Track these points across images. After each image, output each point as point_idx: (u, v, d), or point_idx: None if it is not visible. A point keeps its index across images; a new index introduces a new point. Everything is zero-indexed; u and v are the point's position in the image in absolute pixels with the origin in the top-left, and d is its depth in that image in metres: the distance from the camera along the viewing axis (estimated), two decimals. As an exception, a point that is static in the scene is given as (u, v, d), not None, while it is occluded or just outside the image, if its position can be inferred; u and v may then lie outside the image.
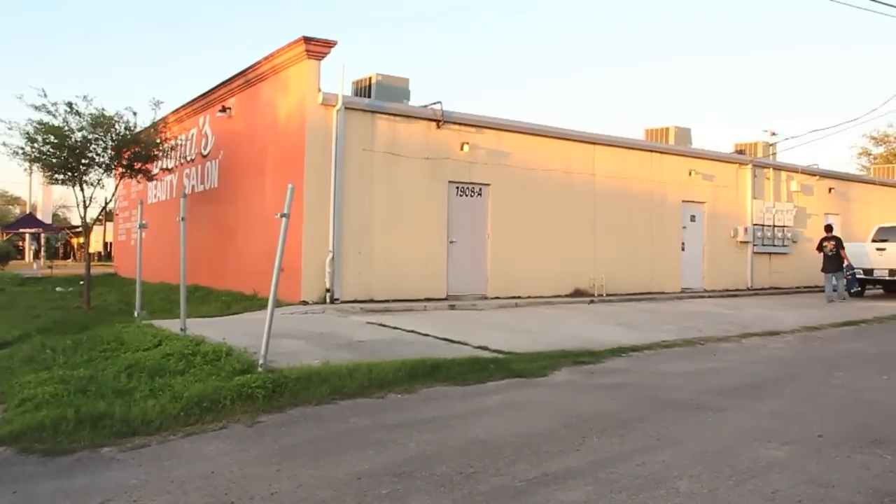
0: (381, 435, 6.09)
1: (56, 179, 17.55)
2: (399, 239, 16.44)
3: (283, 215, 8.13)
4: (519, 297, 17.94)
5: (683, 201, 22.26)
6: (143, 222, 12.22)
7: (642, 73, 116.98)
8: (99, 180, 17.68)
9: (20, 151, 16.75)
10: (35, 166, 17.98)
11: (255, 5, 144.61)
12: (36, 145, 16.57)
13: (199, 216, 20.08)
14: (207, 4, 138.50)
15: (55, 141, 16.41)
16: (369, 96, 16.86)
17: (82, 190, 17.30)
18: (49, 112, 16.52)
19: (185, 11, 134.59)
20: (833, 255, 20.90)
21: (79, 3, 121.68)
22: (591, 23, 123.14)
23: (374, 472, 5.14)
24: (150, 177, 19.46)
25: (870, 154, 51.30)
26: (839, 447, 5.84)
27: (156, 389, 7.28)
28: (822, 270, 21.24)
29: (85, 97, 16.78)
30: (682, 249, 22.18)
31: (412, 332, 11.90)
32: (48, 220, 50.49)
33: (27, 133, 16.46)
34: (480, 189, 17.96)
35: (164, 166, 21.11)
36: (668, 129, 23.31)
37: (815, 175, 26.71)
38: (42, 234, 46.31)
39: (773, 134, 26.83)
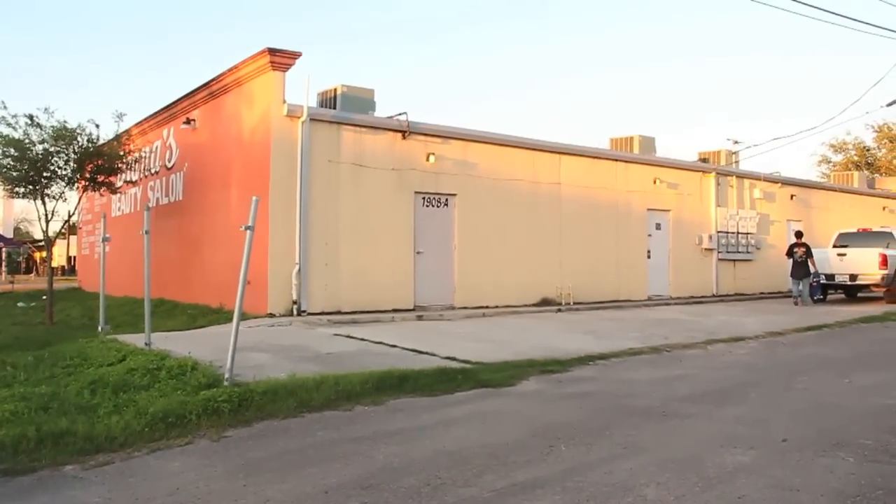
0: (349, 448, 6.06)
1: (17, 193, 17.28)
2: (366, 250, 16.40)
3: (247, 228, 8.08)
4: (486, 307, 17.96)
5: (649, 209, 22.44)
6: (107, 236, 12.11)
7: (607, 82, 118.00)
8: (61, 193, 17.43)
9: (-21, 165, 16.47)
10: (-5, 180, 17.68)
11: (220, 19, 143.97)
12: (-5, 158, 16.30)
13: (165, 229, 19.89)
14: (170, 19, 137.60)
15: (15, 154, 16.15)
16: (335, 108, 16.82)
17: (44, 203, 17.05)
18: (9, 124, 16.26)
19: (148, 26, 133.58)
20: (802, 262, 21.32)
21: (38, 18, 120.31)
22: (555, 34, 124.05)
23: (341, 485, 5.11)
24: (113, 190, 19.25)
25: (829, 161, 52.14)
26: (803, 451, 5.90)
27: (120, 405, 7.18)
28: (791, 276, 21.63)
29: (46, 109, 16.56)
30: (648, 257, 22.34)
31: (380, 343, 11.86)
32: (9, 235, 49.70)
33: (-14, 146, 16.19)
34: (447, 199, 17.97)
35: (128, 179, 20.89)
36: (632, 138, 23.49)
37: (777, 182, 27.06)
38: (3, 249, 45.59)
39: (736, 142, 27.13)
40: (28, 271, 55.91)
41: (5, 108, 16.30)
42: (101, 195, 21.22)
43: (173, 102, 19.82)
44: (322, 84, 18.03)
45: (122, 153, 18.04)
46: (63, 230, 24.23)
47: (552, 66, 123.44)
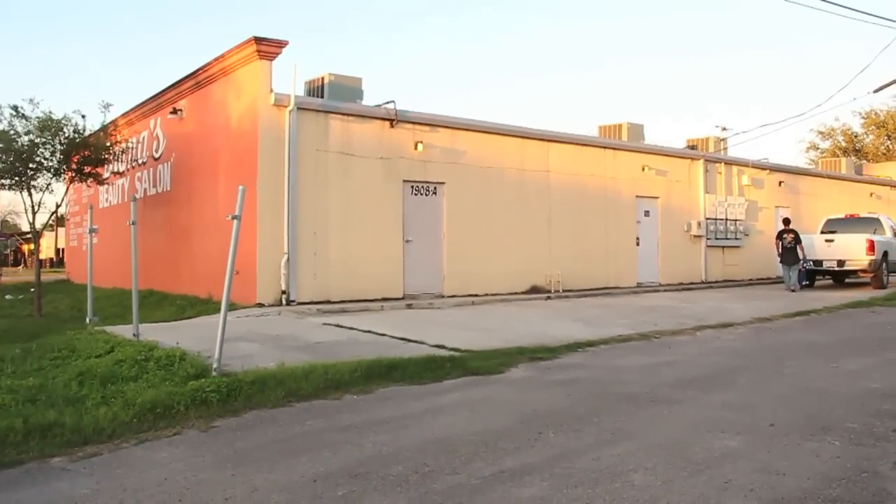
0: (337, 436, 6.06)
1: (2, 185, 17.20)
2: (355, 239, 16.38)
3: (234, 217, 8.06)
4: (476, 295, 17.97)
5: (637, 196, 22.47)
6: (94, 227, 12.05)
7: (595, 70, 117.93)
8: (48, 185, 17.37)
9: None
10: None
11: (206, 8, 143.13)
12: (-21, 150, 16.20)
13: (153, 220, 19.83)
14: (156, 10, 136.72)
15: (0, 145, 16.06)
16: (322, 96, 16.76)
17: (30, 195, 16.97)
18: (-7, 116, 16.18)
19: (135, 16, 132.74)
20: (791, 248, 21.44)
21: (22, 10, 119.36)
22: (544, 22, 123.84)
23: (329, 473, 5.12)
24: (100, 181, 19.15)
25: (817, 148, 52.27)
26: (790, 435, 5.93)
27: (108, 397, 7.16)
28: (781, 262, 21.75)
29: (31, 100, 16.47)
30: (637, 244, 22.39)
31: (369, 332, 11.86)
32: (-3, 227, 49.47)
33: (-30, 138, 16.08)
34: (435, 188, 17.96)
35: (116, 170, 20.80)
36: (621, 125, 23.49)
37: (765, 169, 27.12)
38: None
39: (724, 129, 27.20)
40: (16, 264, 55.61)
41: (-11, 99, 16.20)
42: (89, 186, 21.11)
43: (160, 92, 19.71)
44: (309, 73, 18.00)
45: (108, 144, 17.94)
46: (51, 222, 24.11)
47: (541, 54, 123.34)
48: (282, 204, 15.34)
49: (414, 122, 17.48)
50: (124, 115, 21.73)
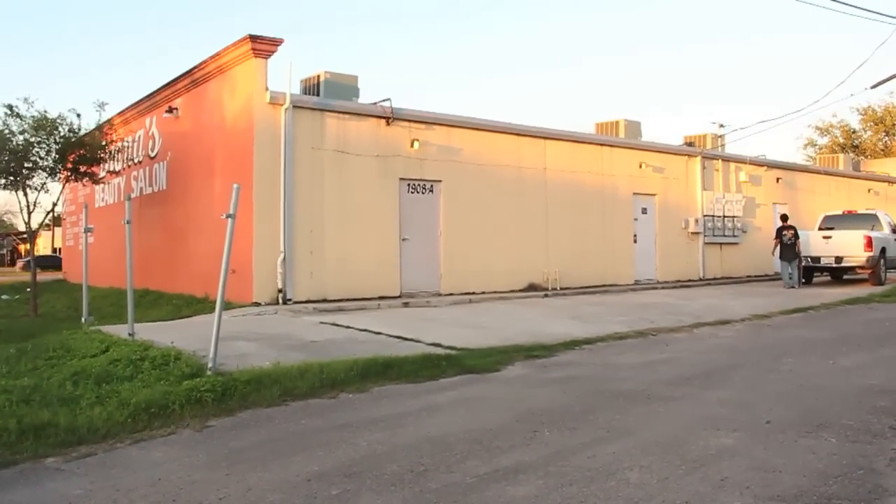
0: (333, 435, 6.04)
1: (-2, 184, 17.17)
2: (351, 238, 16.35)
3: (228, 216, 8.03)
4: (473, 294, 17.96)
5: (634, 194, 22.46)
6: (89, 226, 12.03)
7: (592, 67, 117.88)
8: (43, 184, 17.35)
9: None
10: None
11: (201, 7, 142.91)
12: (-26, 150, 16.17)
13: (149, 219, 19.81)
14: (152, 9, 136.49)
15: (-5, 145, 16.04)
16: (318, 94, 16.73)
17: (26, 195, 16.95)
18: (-12, 115, 16.15)
19: (131, 15, 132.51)
20: (791, 244, 21.45)
21: (16, 9, 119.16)
22: (540, 20, 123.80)
23: (324, 473, 5.09)
24: (96, 180, 19.14)
25: (815, 144, 52.26)
26: (786, 432, 5.91)
27: (102, 396, 7.14)
28: (781, 258, 21.74)
29: (26, 99, 16.47)
30: (635, 242, 22.38)
31: (365, 330, 11.84)
32: (-7, 227, 49.40)
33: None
34: (432, 186, 17.93)
35: (111, 169, 20.77)
36: (618, 122, 23.47)
37: (762, 165, 27.13)
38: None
39: (722, 126, 27.14)
40: (13, 263, 55.53)
41: (-16, 98, 16.18)
42: (84, 186, 21.09)
43: (155, 91, 19.67)
44: (305, 71, 17.95)
45: (104, 143, 17.91)
46: (48, 222, 24.08)
47: (537, 52, 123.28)
48: (278, 202, 15.31)
49: (410, 120, 17.45)
50: (120, 113, 21.70)
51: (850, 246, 21.57)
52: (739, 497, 4.51)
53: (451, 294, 17.73)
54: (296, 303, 15.27)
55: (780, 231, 21.90)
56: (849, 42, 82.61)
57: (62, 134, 16.67)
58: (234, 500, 4.65)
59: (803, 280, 22.44)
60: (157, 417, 6.59)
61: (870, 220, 23.21)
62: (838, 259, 21.81)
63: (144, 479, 5.10)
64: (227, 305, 13.64)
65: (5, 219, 66.52)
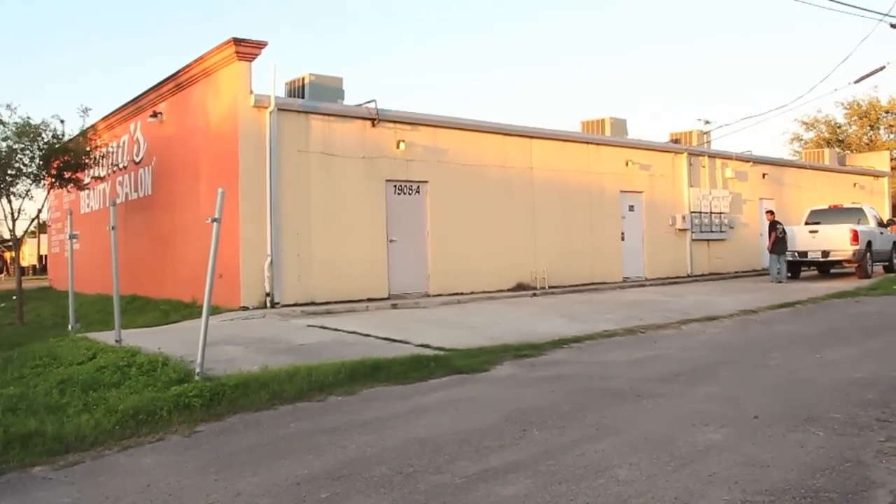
0: (321, 438, 6.03)
1: (-20, 192, 17.03)
2: (338, 240, 16.32)
3: (214, 220, 8.00)
4: (461, 294, 17.95)
5: (621, 191, 22.50)
6: (74, 233, 11.95)
7: (577, 65, 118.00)
8: (27, 191, 17.20)
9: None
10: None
11: (185, 11, 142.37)
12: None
13: (135, 224, 19.72)
14: (135, 11, 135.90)
15: (-24, 152, 15.92)
16: (303, 97, 16.69)
17: (10, 202, 16.82)
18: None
19: (113, 20, 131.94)
20: (783, 238, 21.62)
21: None
22: (525, 18, 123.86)
23: (313, 476, 5.09)
24: (81, 186, 19.00)
25: (801, 139, 52.41)
26: (774, 427, 5.94)
27: (90, 404, 7.10)
28: (775, 252, 21.84)
29: (8, 106, 16.32)
30: (622, 239, 22.42)
31: (354, 333, 11.82)
32: (-24, 235, 49.00)
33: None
34: (418, 187, 17.92)
35: (96, 175, 20.63)
36: (603, 120, 23.53)
37: (748, 161, 27.23)
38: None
39: (707, 122, 27.24)
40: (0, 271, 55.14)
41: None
42: (69, 192, 20.96)
43: (140, 96, 19.58)
44: (290, 73, 17.92)
45: (88, 149, 17.79)
46: (33, 229, 23.93)
47: (522, 51, 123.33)
48: (264, 206, 15.27)
49: (395, 121, 17.44)
50: (104, 119, 21.59)
51: (837, 240, 21.69)
52: (728, 492, 4.53)
53: (439, 295, 17.72)
54: (284, 306, 15.22)
55: (774, 225, 22.00)
56: (832, 37, 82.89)
57: (46, 140, 16.54)
58: (223, 505, 4.64)
59: (790, 274, 22.56)
60: (145, 424, 6.57)
61: (856, 213, 23.36)
62: (825, 253, 21.93)
63: (133, 486, 5.09)
64: (215, 310, 13.60)
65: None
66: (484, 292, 18.46)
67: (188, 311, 15.24)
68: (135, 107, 20.14)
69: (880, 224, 23.94)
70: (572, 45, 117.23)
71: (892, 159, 39.59)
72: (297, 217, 15.75)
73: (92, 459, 5.77)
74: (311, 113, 16.19)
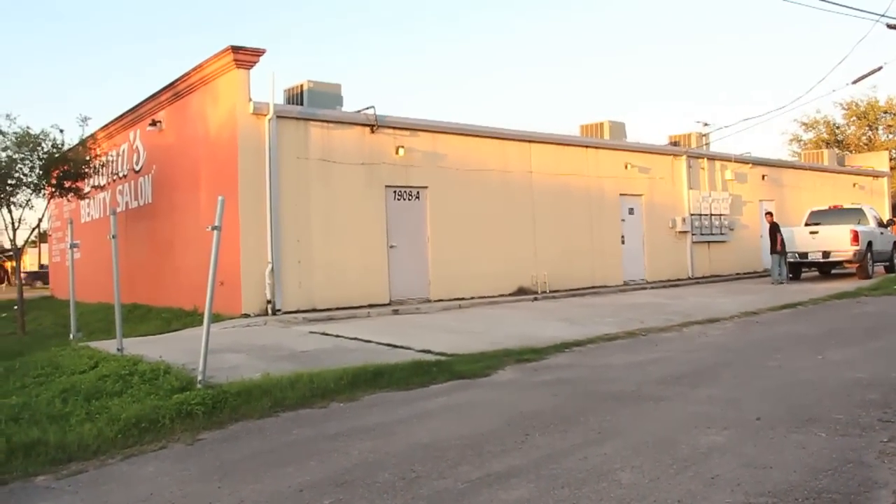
0: (324, 445, 6.03)
1: (-19, 202, 17.03)
2: (339, 246, 16.33)
3: (214, 228, 8.01)
4: (462, 299, 17.95)
5: (621, 195, 22.51)
6: (74, 242, 11.96)
7: (575, 68, 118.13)
8: (28, 201, 17.20)
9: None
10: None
11: (182, 20, 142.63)
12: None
13: (135, 233, 19.74)
14: (132, 23, 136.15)
15: (-23, 162, 15.93)
16: (301, 104, 16.72)
17: (10, 212, 16.83)
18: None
19: (112, 30, 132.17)
20: (784, 239, 21.69)
21: None
22: (522, 23, 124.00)
23: (315, 483, 5.09)
24: (81, 195, 19.02)
25: (800, 140, 52.42)
26: (776, 428, 5.94)
27: (92, 413, 7.11)
28: (775, 253, 21.85)
29: (8, 115, 16.34)
30: (623, 242, 22.43)
31: (355, 339, 11.83)
32: (-23, 245, 49.04)
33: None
34: (418, 192, 17.93)
35: (96, 184, 20.66)
36: (602, 123, 23.53)
37: (748, 163, 27.25)
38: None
39: (706, 125, 27.26)
40: (0, 281, 55.16)
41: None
42: (70, 201, 20.98)
43: (139, 104, 19.61)
44: (288, 80, 17.93)
45: (88, 158, 17.81)
46: (34, 238, 23.91)
47: (520, 56, 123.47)
48: (264, 213, 15.29)
49: (394, 127, 17.46)
50: (103, 128, 21.62)
51: (837, 240, 21.70)
52: (731, 494, 4.53)
53: (440, 300, 17.72)
54: (285, 313, 15.23)
55: (777, 226, 22.03)
56: (830, 38, 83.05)
57: (46, 150, 16.55)
58: (226, 512, 4.64)
59: (791, 276, 22.56)
60: (147, 432, 6.57)
61: (856, 214, 23.35)
62: (825, 254, 21.93)
63: (136, 494, 5.09)
64: (216, 318, 13.61)
65: (-10, 237, 66.04)
66: (485, 297, 18.46)
67: (189, 319, 15.24)
68: (134, 115, 20.17)
69: (880, 224, 23.94)
70: (570, 47, 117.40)
71: (891, 159, 39.61)
72: (297, 224, 15.76)
73: (95, 468, 5.77)
74: (310, 120, 16.21)
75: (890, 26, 18.68)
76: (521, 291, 19.43)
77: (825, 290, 18.68)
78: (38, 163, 16.57)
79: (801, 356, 9.51)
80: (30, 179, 16.78)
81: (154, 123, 18.63)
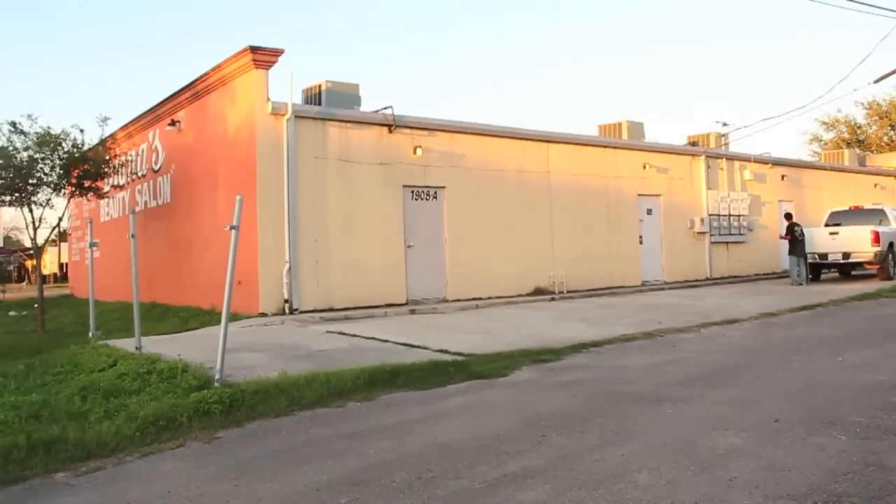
0: (340, 444, 6.04)
1: (3, 201, 17.17)
2: (356, 246, 16.36)
3: (232, 227, 8.04)
4: (479, 299, 17.94)
5: (639, 195, 22.44)
6: (94, 241, 12.05)
7: (594, 69, 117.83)
8: (48, 200, 17.32)
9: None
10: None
11: (202, 20, 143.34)
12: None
13: (154, 232, 19.86)
14: (153, 24, 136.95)
15: (0, 161, 16.07)
16: (319, 104, 16.77)
17: (31, 211, 16.96)
18: (-9, 132, 16.17)
19: (131, 30, 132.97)
20: (802, 240, 21.48)
21: (15, 27, 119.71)
22: (541, 23, 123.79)
23: (332, 482, 5.09)
24: (100, 195, 19.15)
25: (821, 140, 52.11)
26: (795, 430, 5.89)
27: (111, 411, 7.15)
28: (794, 254, 21.68)
29: (29, 116, 16.45)
30: (641, 243, 22.35)
31: (372, 338, 11.84)
32: (0, 244, 49.52)
33: (-31, 155, 16.06)
34: (436, 192, 17.94)
35: (116, 183, 20.80)
36: (620, 123, 23.47)
37: (767, 163, 27.09)
38: (-6, 259, 45.40)
39: (725, 125, 27.13)
40: (20, 280, 55.63)
41: (-13, 115, 16.19)
42: (89, 200, 21.12)
43: (158, 104, 19.74)
44: (306, 80, 18.00)
45: (107, 157, 17.92)
46: (54, 237, 24.08)
47: (539, 55, 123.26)
48: (282, 212, 15.34)
49: (412, 127, 17.48)
50: (123, 128, 21.77)
51: (858, 241, 21.52)
52: (749, 497, 4.49)
53: (457, 300, 17.72)
54: (302, 312, 15.28)
55: (792, 227, 21.86)
56: (851, 37, 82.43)
57: (66, 149, 16.67)
58: (243, 511, 4.65)
59: (811, 277, 22.40)
60: (165, 430, 6.60)
61: (877, 215, 23.13)
62: (846, 255, 21.76)
63: (154, 491, 5.11)
64: (234, 317, 13.65)
65: (11, 235, 66.61)
66: (502, 297, 18.44)
67: (207, 318, 15.31)
68: (153, 115, 20.30)
69: (902, 225, 23.71)
70: (589, 47, 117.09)
71: (912, 159, 39.23)
72: (314, 223, 15.81)
73: (113, 466, 5.80)
74: (328, 120, 16.26)
75: (912, 25, 18.48)
76: (539, 291, 19.39)
77: (845, 291, 18.52)
78: (58, 162, 16.69)
79: (821, 358, 9.43)
80: (50, 179, 16.91)
81: (173, 123, 18.75)
